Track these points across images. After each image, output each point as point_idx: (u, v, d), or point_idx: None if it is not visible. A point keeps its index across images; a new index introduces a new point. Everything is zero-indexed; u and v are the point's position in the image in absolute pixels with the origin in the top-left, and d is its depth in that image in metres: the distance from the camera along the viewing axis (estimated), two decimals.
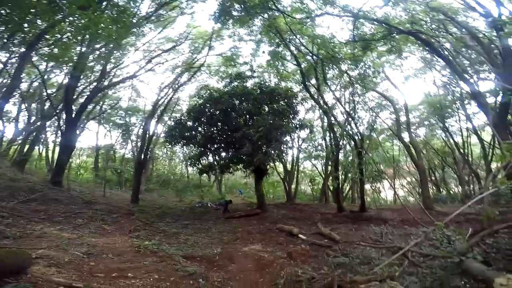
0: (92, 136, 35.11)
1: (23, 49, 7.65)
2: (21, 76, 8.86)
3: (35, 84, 15.63)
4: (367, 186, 18.44)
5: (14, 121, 16.96)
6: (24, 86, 15.75)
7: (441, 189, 22.46)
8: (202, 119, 13.38)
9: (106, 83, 14.95)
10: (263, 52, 14.64)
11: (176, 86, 16.54)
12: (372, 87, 16.18)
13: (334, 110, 16.10)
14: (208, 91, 13.66)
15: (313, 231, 8.78)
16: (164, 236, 7.41)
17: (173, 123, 14.57)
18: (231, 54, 16.10)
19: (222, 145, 13.80)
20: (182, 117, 14.40)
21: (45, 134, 19.33)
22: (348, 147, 19.38)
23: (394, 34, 10.85)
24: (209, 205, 15.54)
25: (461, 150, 17.81)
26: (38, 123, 15.68)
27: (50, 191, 9.87)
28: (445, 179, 23.31)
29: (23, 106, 16.66)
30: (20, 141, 15.90)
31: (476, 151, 19.56)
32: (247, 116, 13.14)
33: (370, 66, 13.15)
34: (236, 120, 13.06)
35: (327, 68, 13.46)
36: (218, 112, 12.93)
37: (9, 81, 9.86)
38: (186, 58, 17.18)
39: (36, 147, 19.54)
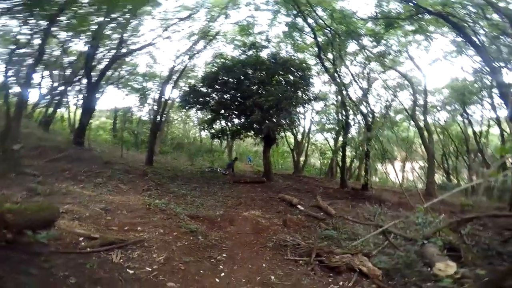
0: (110, 99, 36.35)
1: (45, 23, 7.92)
2: (45, 47, 9.28)
3: (56, 52, 16.31)
4: (378, 166, 18.59)
5: (38, 86, 18.21)
6: (45, 55, 16.53)
7: (451, 178, 22.12)
8: (216, 85, 13.79)
9: (124, 51, 15.29)
10: (279, 22, 14.22)
11: (192, 53, 16.55)
12: (392, 65, 15.44)
13: (350, 86, 15.90)
14: (222, 60, 13.74)
15: (312, 203, 9.31)
16: (173, 196, 8.16)
17: (188, 89, 15.02)
18: (247, 23, 15.69)
19: (234, 111, 14.25)
20: (197, 83, 14.84)
21: (66, 98, 20.50)
22: (361, 124, 19.31)
23: (422, 15, 10.06)
24: (218, 170, 16.37)
25: (478, 140, 17.23)
26: (60, 88, 16.60)
27: (74, 150, 10.77)
28: (457, 167, 22.79)
29: (45, 73, 17.63)
30: (44, 105, 17.09)
31: (496, 142, 18.88)
32: (259, 85, 13.26)
33: (392, 45, 12.48)
34: (249, 88, 13.23)
35: (345, 43, 12.91)
36: (231, 79, 13.23)
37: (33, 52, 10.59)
38: (202, 26, 16.98)
39: (59, 110, 20.91)
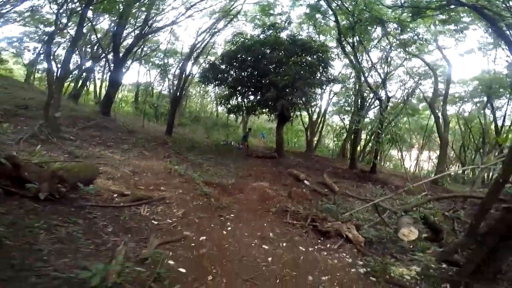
0: (133, 74, 37.76)
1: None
2: (82, 30, 10.06)
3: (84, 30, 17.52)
4: (393, 152, 18.43)
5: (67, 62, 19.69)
6: (73, 31, 17.76)
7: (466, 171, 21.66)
8: (234, 63, 14.16)
9: (149, 29, 15.90)
10: (301, 5, 13.97)
11: (213, 31, 16.76)
12: (416, 54, 14.93)
13: (369, 71, 15.68)
14: (242, 39, 13.93)
15: (319, 180, 9.85)
16: (190, 164, 8.97)
17: (207, 65, 15.49)
18: (268, 3, 15.52)
19: (251, 88, 14.72)
20: (216, 61, 15.34)
21: (93, 73, 21.79)
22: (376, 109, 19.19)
23: (453, 6, 9.55)
24: (232, 143, 17.13)
25: (495, 134, 16.61)
26: (89, 63, 17.93)
27: (101, 120, 11.76)
28: (474, 161, 22.15)
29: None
30: (73, 79, 18.45)
31: None
32: (277, 65, 13.44)
33: (420, 33, 12.04)
34: (266, 67, 13.48)
35: (368, 29, 12.59)
36: (249, 58, 13.54)
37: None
38: (223, 4, 16.99)
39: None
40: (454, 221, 5.56)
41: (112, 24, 15.01)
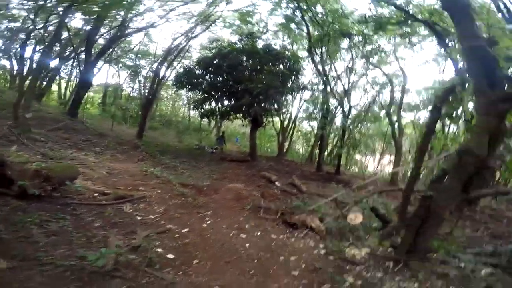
0: (102, 75, 36.01)
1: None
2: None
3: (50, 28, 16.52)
4: (358, 157, 20.04)
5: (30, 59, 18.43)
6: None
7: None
8: (210, 69, 14.48)
9: (127, 31, 15.83)
10: (278, 15, 15.06)
11: (190, 36, 16.91)
12: (378, 64, 16.66)
13: (335, 80, 17.11)
14: (219, 46, 14.37)
15: (289, 182, 10.58)
16: (165, 167, 9.12)
17: (182, 70, 15.62)
18: (247, 11, 16.24)
19: (226, 94, 15.13)
20: (191, 66, 15.55)
21: (58, 73, 20.61)
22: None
23: (410, 21, 11.02)
24: (206, 148, 17.34)
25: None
26: (55, 63, 17.00)
27: (69, 122, 11.36)
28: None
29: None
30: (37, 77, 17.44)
31: None
32: (251, 72, 14.08)
33: (381, 45, 13.59)
34: (241, 74, 14.03)
35: (336, 41, 13.89)
36: (225, 64, 13.99)
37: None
38: (202, 9, 17.25)
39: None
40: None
41: (86, 24, 14.52)
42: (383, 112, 24.02)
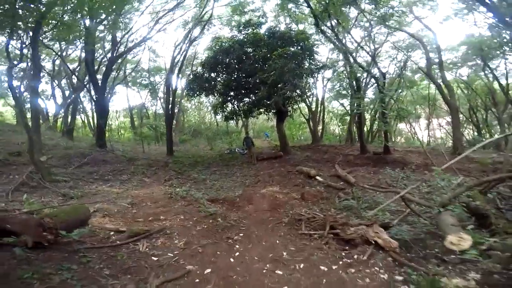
0: (124, 98, 37.87)
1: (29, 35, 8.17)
2: (40, 57, 9.63)
3: (58, 62, 17.07)
4: (402, 126, 17.89)
5: (52, 97, 19.43)
6: (49, 66, 18.38)
7: (482, 132, 20.81)
8: (218, 69, 13.76)
9: (122, 49, 15.77)
10: None
11: (189, 40, 16.47)
12: (398, 27, 14.34)
13: (356, 51, 15.04)
14: (219, 42, 13.58)
15: (331, 173, 9.28)
16: (193, 182, 8.57)
17: (191, 76, 15.15)
18: (239, 2, 15.24)
19: (241, 91, 14.34)
20: (198, 70, 14.94)
21: (81, 104, 21.68)
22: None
23: None
24: (236, 150, 16.71)
25: (505, 92, 16.29)
26: (72, 96, 17.56)
27: (98, 153, 11.49)
28: (487, 121, 21.32)
29: (54, 83, 18.66)
30: (62, 114, 18.33)
31: None
32: (261, 62, 13.01)
33: (394, 6, 11.53)
34: (251, 66, 13.07)
35: (341, 9, 12.14)
36: (232, 61, 13.20)
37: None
38: (194, 13, 16.82)
39: (78, 116, 22.75)
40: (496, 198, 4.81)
41: (82, 51, 14.77)
42: (417, 76, 21.30)
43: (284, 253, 3.57)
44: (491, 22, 13.17)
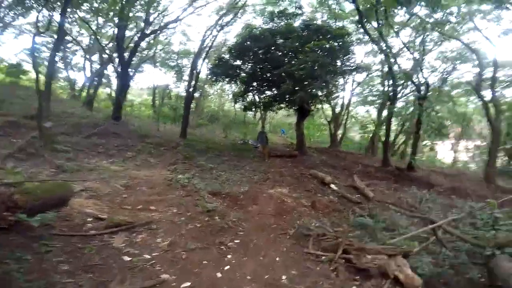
0: (151, 77, 38.48)
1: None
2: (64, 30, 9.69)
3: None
4: (425, 142, 16.55)
5: (82, 70, 20.31)
6: (86, 40, 19.60)
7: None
8: (245, 57, 13.08)
9: (152, 29, 15.60)
10: None
11: (220, 26, 15.90)
12: (454, 35, 12.83)
13: (400, 56, 13.89)
14: (249, 29, 12.85)
15: (348, 183, 8.43)
16: (199, 170, 7.99)
17: (216, 61, 14.59)
18: None
19: (265, 82, 13.66)
20: (224, 55, 14.32)
21: (108, 78, 21.86)
22: (411, 97, 17.41)
23: None
24: (250, 142, 16.09)
25: None
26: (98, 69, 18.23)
27: (110, 125, 11.25)
28: None
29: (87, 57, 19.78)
30: (85, 86, 18.94)
31: None
32: (291, 54, 12.16)
33: (453, 12, 10.16)
34: (280, 58, 12.27)
35: (391, 10, 10.91)
36: (260, 50, 12.53)
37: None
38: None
39: (103, 89, 23.61)
40: None
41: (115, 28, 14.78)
42: (456, 91, 19.43)
43: (284, 277, 2.91)
44: None
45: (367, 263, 3.02)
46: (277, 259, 3.34)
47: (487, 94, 13.19)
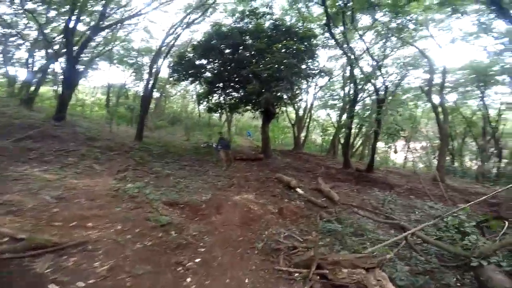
0: (107, 75, 35.31)
1: None
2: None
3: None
4: (380, 144, 17.73)
5: (25, 66, 17.78)
6: (34, 34, 17.03)
7: (454, 161, 21.06)
8: (211, 56, 12.40)
9: (109, 23, 14.27)
10: None
11: (186, 24, 15.00)
12: (410, 41, 13.87)
13: (361, 60, 14.63)
14: (216, 26, 12.26)
15: (312, 186, 8.34)
16: (154, 177, 7.18)
17: (177, 59, 13.67)
18: None
19: (231, 83, 13.15)
20: (188, 53, 13.41)
21: (55, 75, 19.29)
22: (367, 100, 18.34)
23: None
24: (213, 145, 15.43)
25: (492, 123, 16.56)
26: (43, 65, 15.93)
27: (50, 127, 9.71)
28: (462, 150, 21.63)
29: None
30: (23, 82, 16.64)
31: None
32: (258, 54, 11.87)
33: (413, 19, 10.93)
34: (246, 57, 11.88)
35: (358, 14, 11.33)
36: (227, 49, 12.07)
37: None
38: None
39: (50, 87, 21.08)
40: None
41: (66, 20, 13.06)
42: (406, 96, 21.26)
43: None
44: (501, 48, 12.95)
45: (343, 278, 2.73)
46: (246, 280, 2.88)
47: (435, 98, 14.56)
